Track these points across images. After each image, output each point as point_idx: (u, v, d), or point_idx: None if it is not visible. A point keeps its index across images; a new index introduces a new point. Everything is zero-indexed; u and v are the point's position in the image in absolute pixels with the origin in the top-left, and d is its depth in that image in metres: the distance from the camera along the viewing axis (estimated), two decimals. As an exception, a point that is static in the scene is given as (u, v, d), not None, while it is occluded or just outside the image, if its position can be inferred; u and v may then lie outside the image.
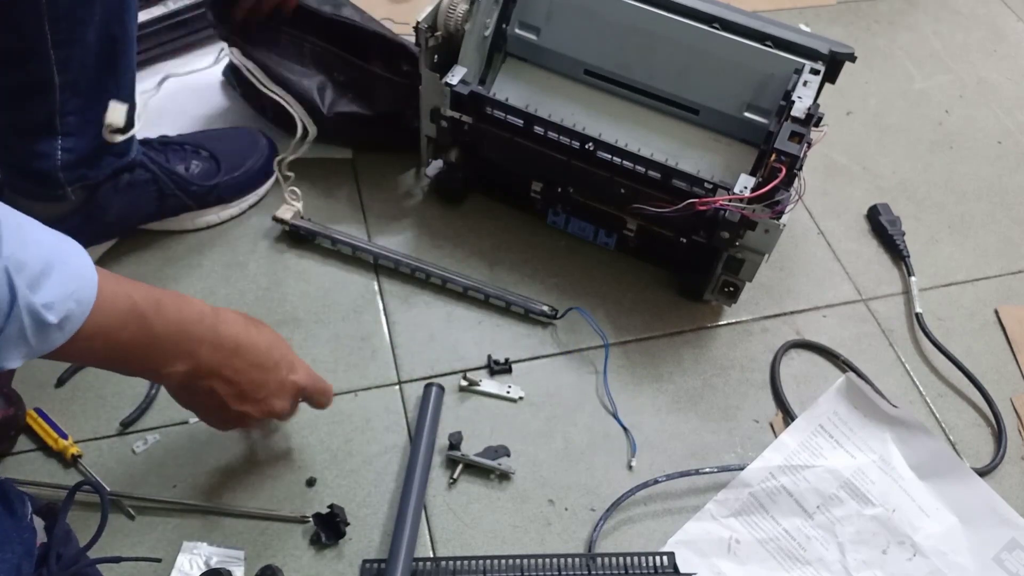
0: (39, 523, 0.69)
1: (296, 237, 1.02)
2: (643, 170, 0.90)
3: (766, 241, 0.88)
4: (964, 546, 0.84)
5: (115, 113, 0.86)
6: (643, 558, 0.79)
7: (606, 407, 0.92)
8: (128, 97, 0.88)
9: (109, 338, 0.59)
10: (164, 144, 0.99)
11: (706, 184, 0.88)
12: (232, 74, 1.13)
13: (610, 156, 0.90)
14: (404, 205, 1.08)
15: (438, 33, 0.93)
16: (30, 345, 0.53)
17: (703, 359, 0.97)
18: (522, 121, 0.93)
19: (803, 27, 0.95)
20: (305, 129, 0.98)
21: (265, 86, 0.99)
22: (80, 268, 0.56)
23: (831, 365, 0.98)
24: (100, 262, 0.97)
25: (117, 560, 0.73)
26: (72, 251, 0.57)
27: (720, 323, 1.00)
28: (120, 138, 0.87)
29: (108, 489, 0.81)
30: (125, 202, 0.93)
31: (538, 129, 0.92)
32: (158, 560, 0.77)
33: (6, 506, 0.64)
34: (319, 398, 0.78)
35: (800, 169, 0.85)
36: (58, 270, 0.54)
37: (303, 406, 0.79)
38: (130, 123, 0.89)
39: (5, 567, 0.60)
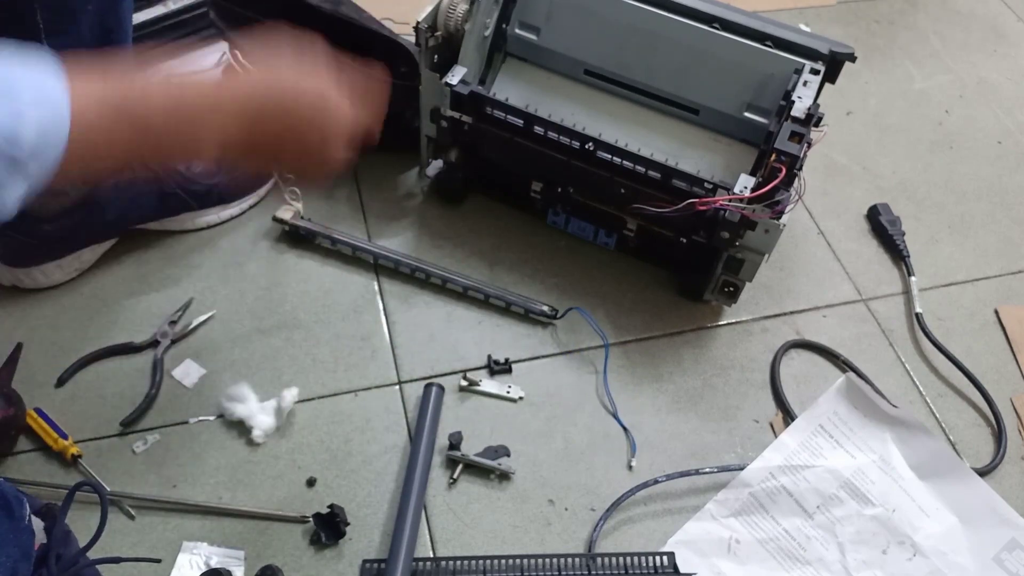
0: (38, 524, 0.69)
1: (296, 237, 1.02)
2: (643, 170, 0.90)
3: (766, 241, 0.88)
4: (964, 546, 0.84)
5: None
6: (643, 558, 0.79)
7: (606, 407, 0.92)
8: None
9: (104, 145, 0.54)
10: None
11: (706, 184, 0.88)
12: (232, 74, 1.13)
13: (610, 156, 0.90)
14: (404, 205, 1.08)
15: (438, 33, 0.93)
16: (22, 168, 0.48)
17: (703, 359, 0.97)
18: (522, 121, 0.93)
19: (803, 27, 0.95)
20: None
21: None
22: (43, 77, 0.51)
23: (831, 365, 0.98)
24: (100, 262, 0.97)
25: (117, 561, 0.73)
26: (34, 60, 0.52)
27: (720, 323, 1.00)
28: None
29: (108, 489, 0.81)
30: (125, 200, 0.93)
31: (538, 129, 0.92)
32: (158, 561, 0.77)
33: (4, 507, 0.64)
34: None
35: (800, 169, 0.85)
36: (21, 79, 0.49)
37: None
38: None
39: (1, 570, 0.60)
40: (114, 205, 0.93)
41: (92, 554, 0.70)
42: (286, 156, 0.64)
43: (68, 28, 0.78)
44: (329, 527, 0.79)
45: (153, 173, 0.94)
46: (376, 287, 1.00)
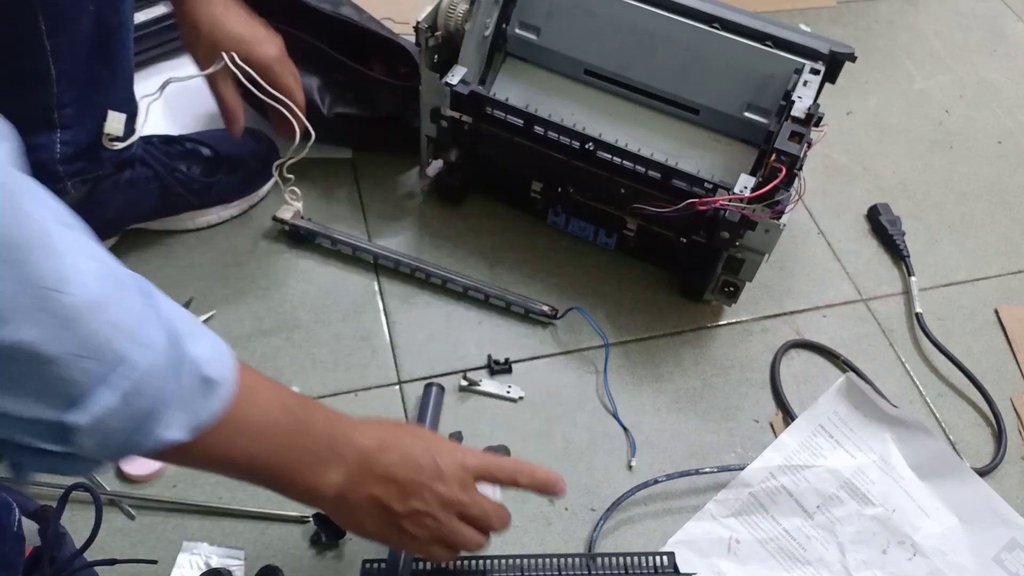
0: (32, 527, 0.68)
1: (296, 237, 1.02)
2: (643, 170, 0.90)
3: (766, 241, 0.88)
4: (964, 546, 0.84)
5: (113, 123, 0.85)
6: (643, 558, 0.79)
7: (606, 407, 0.92)
8: (126, 96, 0.87)
9: (260, 425, 0.53)
10: (166, 142, 0.99)
11: (706, 184, 0.88)
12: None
13: (610, 156, 0.90)
14: (404, 205, 1.08)
15: (438, 33, 0.93)
16: (194, 410, 0.48)
17: (703, 359, 0.97)
18: (522, 121, 0.93)
19: (803, 27, 0.95)
20: (305, 134, 0.98)
21: (264, 91, 0.99)
22: (213, 336, 0.52)
23: (831, 365, 0.98)
24: (100, 262, 0.97)
25: (112, 563, 0.72)
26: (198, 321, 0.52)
27: (720, 323, 1.00)
28: (119, 146, 0.87)
29: (108, 489, 0.81)
30: (126, 199, 0.93)
31: (538, 129, 0.92)
32: (154, 562, 0.76)
33: None
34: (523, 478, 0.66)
35: (800, 169, 0.85)
36: (201, 329, 0.50)
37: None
38: (130, 131, 0.88)
39: None
40: (114, 203, 0.93)
41: (89, 554, 0.70)
42: (401, 485, 0.62)
43: (69, 28, 0.78)
44: (329, 527, 0.79)
45: (153, 171, 0.94)
46: (376, 287, 1.00)
